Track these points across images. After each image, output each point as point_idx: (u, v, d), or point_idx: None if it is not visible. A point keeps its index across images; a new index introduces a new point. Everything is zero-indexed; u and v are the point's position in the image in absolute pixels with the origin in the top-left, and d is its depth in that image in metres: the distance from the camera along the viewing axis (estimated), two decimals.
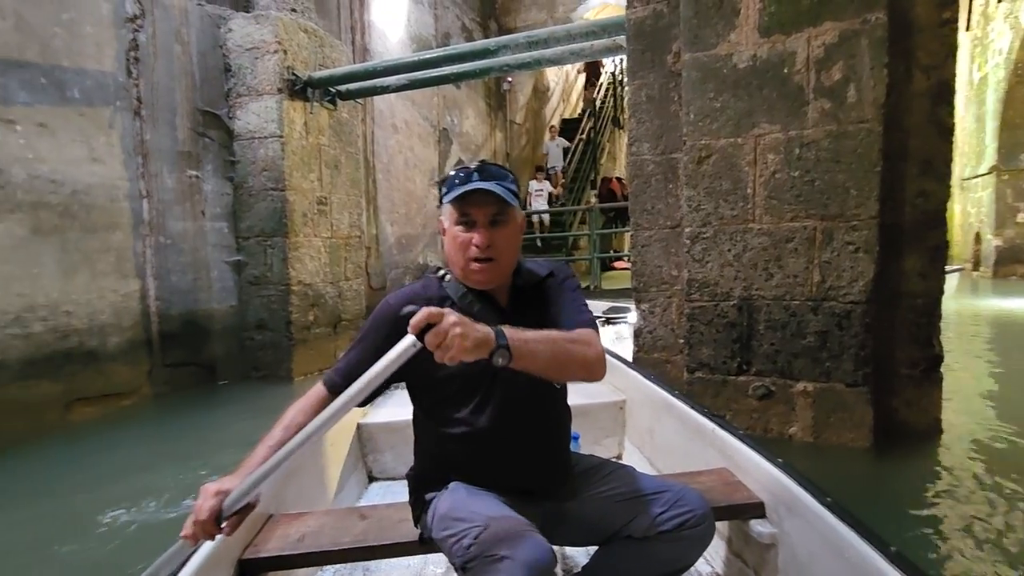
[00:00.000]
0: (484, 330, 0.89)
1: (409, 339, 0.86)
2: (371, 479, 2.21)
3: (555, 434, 1.21)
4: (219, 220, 4.45)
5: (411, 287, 1.21)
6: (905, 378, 2.63)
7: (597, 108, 11.99)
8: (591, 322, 1.12)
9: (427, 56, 4.37)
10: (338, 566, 1.58)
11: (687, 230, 2.78)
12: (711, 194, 2.71)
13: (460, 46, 4.24)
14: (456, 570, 0.99)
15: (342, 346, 4.52)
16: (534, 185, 9.72)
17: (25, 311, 3.19)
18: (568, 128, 12.00)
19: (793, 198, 2.56)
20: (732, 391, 2.70)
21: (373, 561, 1.54)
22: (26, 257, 3.20)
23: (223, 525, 0.94)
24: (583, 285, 7.92)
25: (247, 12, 4.53)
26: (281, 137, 4.37)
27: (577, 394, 1.28)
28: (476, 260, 1.09)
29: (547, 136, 11.33)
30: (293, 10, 4.61)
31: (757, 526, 1.31)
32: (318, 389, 1.12)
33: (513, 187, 1.11)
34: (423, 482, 1.20)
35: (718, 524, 1.14)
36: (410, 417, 1.24)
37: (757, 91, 2.59)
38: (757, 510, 1.33)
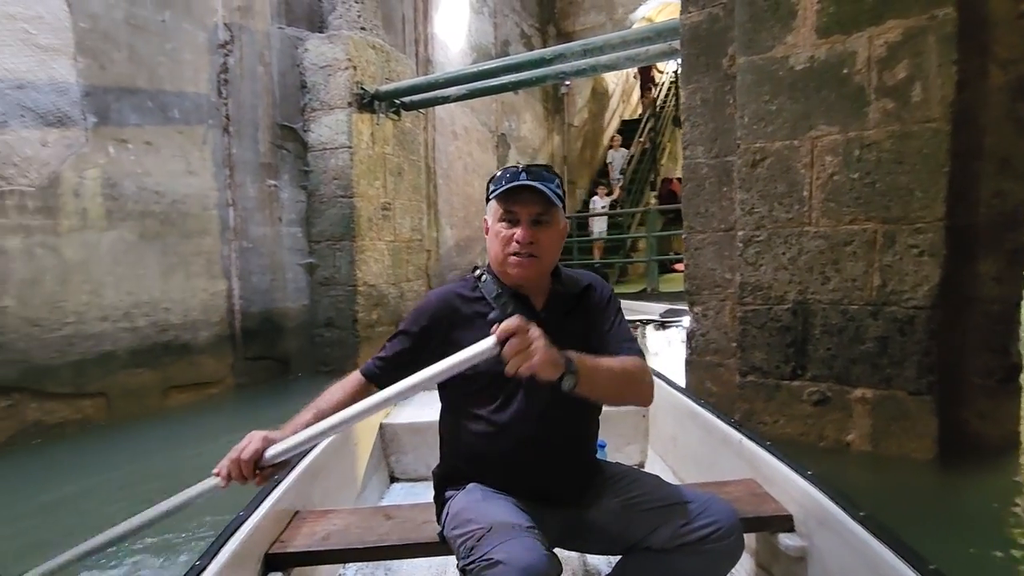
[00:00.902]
0: (558, 352, 0.90)
1: (491, 340, 0.86)
2: (392, 479, 2.21)
3: (578, 439, 1.18)
4: (294, 225, 4.81)
5: (450, 285, 1.21)
6: (978, 388, 2.50)
7: (657, 108, 11.82)
8: (639, 350, 1.13)
9: (485, 67, 4.54)
10: (361, 564, 1.60)
11: (740, 233, 2.77)
12: (765, 197, 2.69)
13: (517, 56, 4.38)
14: (460, 572, 0.98)
15: None
16: (597, 202, 9.30)
17: (132, 307, 3.62)
18: (628, 129, 11.90)
19: (852, 200, 2.50)
20: (785, 396, 2.67)
21: (396, 561, 1.56)
22: (134, 260, 3.63)
23: (258, 472, 0.97)
24: (640, 288, 7.88)
25: (321, 32, 4.88)
26: (350, 147, 4.68)
27: None
28: (516, 255, 1.08)
29: (608, 144, 11.08)
30: (363, 28, 4.92)
31: (786, 540, 1.26)
32: (356, 376, 1.14)
33: (559, 190, 1.11)
34: (446, 480, 1.19)
35: (745, 537, 1.11)
36: (433, 418, 1.26)
37: (814, 93, 2.56)
38: (786, 523, 1.29)
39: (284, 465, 1.00)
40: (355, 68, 4.67)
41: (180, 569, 1.05)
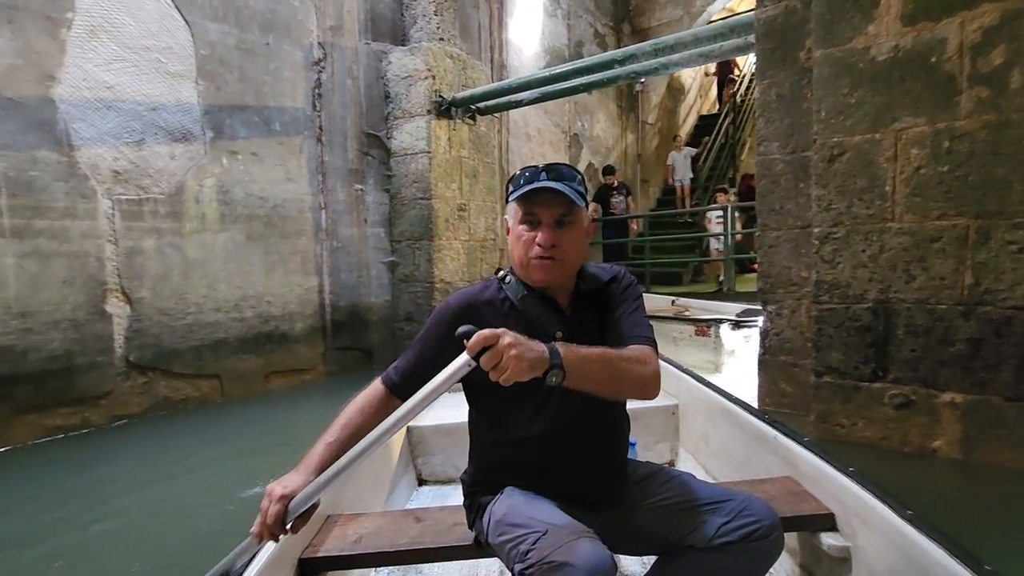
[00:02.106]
0: (539, 349, 0.88)
1: (464, 358, 0.88)
2: (420, 482, 2.20)
3: (612, 441, 1.17)
4: (377, 226, 5.17)
5: (472, 288, 1.19)
6: None
7: (738, 102, 11.39)
8: (650, 338, 1.10)
9: (556, 71, 4.65)
10: (392, 568, 1.60)
11: (816, 230, 2.71)
12: (843, 193, 2.61)
13: (587, 59, 4.45)
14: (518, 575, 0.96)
15: None
16: (714, 217, 8.16)
17: (241, 300, 4.07)
18: (706, 124, 11.55)
19: (941, 195, 2.38)
20: (864, 398, 2.58)
21: (427, 564, 1.55)
22: (242, 258, 4.08)
23: (288, 526, 0.97)
24: (717, 287, 7.65)
25: (403, 45, 5.20)
26: (429, 152, 4.96)
27: None
28: (539, 258, 1.06)
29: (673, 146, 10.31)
30: (441, 39, 5.19)
31: (828, 539, 1.23)
32: (376, 386, 1.12)
33: (581, 189, 1.08)
34: (478, 485, 1.18)
35: (784, 536, 1.08)
36: (459, 420, 1.24)
37: (899, 83, 2.45)
38: (827, 522, 1.26)
39: (313, 510, 0.99)
40: (434, 77, 4.94)
41: None
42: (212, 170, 3.90)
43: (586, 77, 4.50)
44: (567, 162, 8.30)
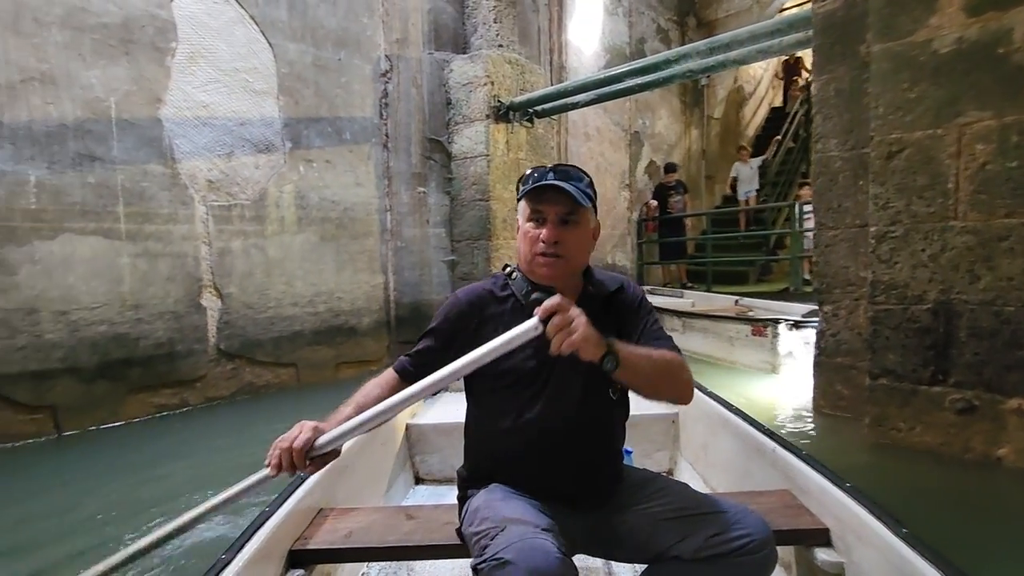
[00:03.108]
0: (599, 334, 0.91)
1: (533, 321, 0.87)
2: (418, 480, 2.20)
3: (604, 441, 1.16)
4: (439, 227, 5.43)
5: (479, 284, 1.22)
6: None
7: (811, 95, 10.84)
8: (677, 348, 1.11)
9: (611, 73, 4.71)
10: (383, 564, 1.59)
11: (872, 229, 2.64)
12: (902, 190, 2.54)
13: (641, 61, 4.47)
14: (472, 571, 0.94)
15: None
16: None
17: (315, 296, 4.44)
18: (777, 117, 11.09)
19: (1009, 192, 2.27)
20: (923, 402, 2.50)
21: (418, 561, 1.56)
22: (317, 257, 4.44)
23: (308, 463, 0.98)
24: (782, 287, 7.37)
25: (464, 53, 5.43)
26: (487, 155, 5.15)
27: None
28: (542, 255, 1.08)
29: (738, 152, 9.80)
30: (500, 45, 5.37)
31: (821, 554, 1.21)
32: (389, 374, 1.15)
33: (588, 190, 1.10)
34: (469, 480, 1.18)
35: (778, 550, 1.06)
36: (459, 419, 1.25)
37: (963, 77, 2.36)
38: (821, 537, 1.24)
39: (333, 455, 1.01)
40: (492, 83, 5.13)
41: (205, 564, 1.05)
42: (291, 177, 4.28)
43: (641, 78, 4.53)
44: (631, 160, 8.29)
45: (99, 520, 2.28)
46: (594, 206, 1.13)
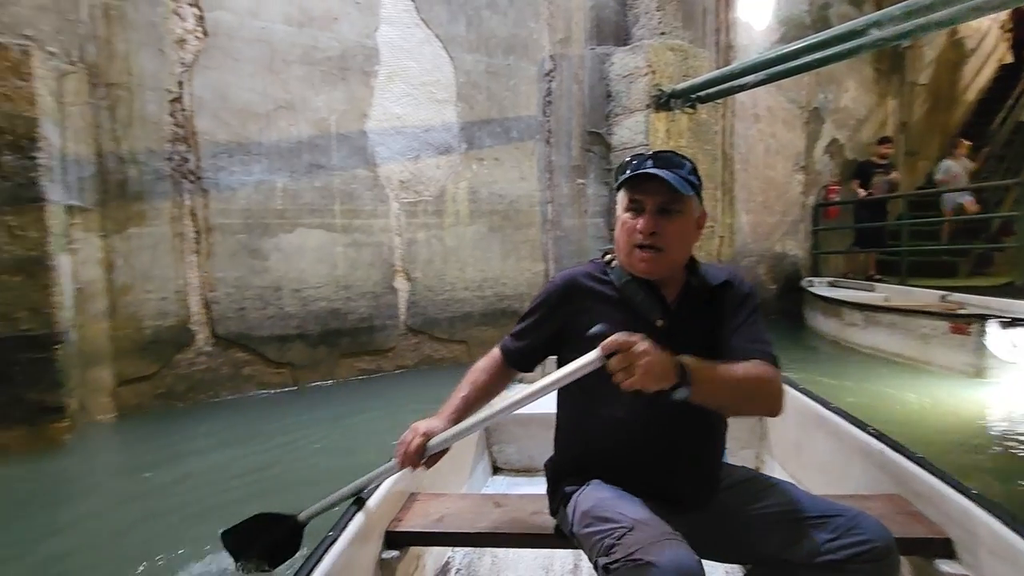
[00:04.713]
0: (669, 364, 0.87)
1: (595, 355, 0.87)
2: (495, 470, 2.24)
3: (705, 440, 1.11)
4: (597, 217, 5.60)
5: (578, 268, 1.20)
6: None
7: None
8: (772, 354, 1.04)
9: (783, 51, 4.38)
10: (468, 549, 1.64)
11: None
12: None
13: (818, 35, 4.07)
14: (596, 569, 0.94)
15: None
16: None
17: (483, 281, 4.95)
18: (1009, 75, 9.14)
19: None
20: None
21: (502, 549, 1.58)
22: (485, 246, 4.94)
23: (423, 461, 1.11)
24: (1006, 280, 6.16)
25: (626, 44, 5.49)
26: (647, 145, 5.15)
27: None
28: (640, 247, 1.04)
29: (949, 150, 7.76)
30: (662, 33, 5.32)
31: (945, 567, 1.13)
32: (495, 354, 1.23)
33: (691, 177, 1.05)
34: (563, 474, 1.16)
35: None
36: (537, 411, 1.24)
37: None
38: (943, 547, 1.15)
39: (444, 452, 1.13)
40: (653, 72, 5.11)
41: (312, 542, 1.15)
42: (465, 175, 4.80)
43: (820, 52, 4.16)
44: (808, 139, 7.55)
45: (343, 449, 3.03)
46: (698, 194, 1.08)
